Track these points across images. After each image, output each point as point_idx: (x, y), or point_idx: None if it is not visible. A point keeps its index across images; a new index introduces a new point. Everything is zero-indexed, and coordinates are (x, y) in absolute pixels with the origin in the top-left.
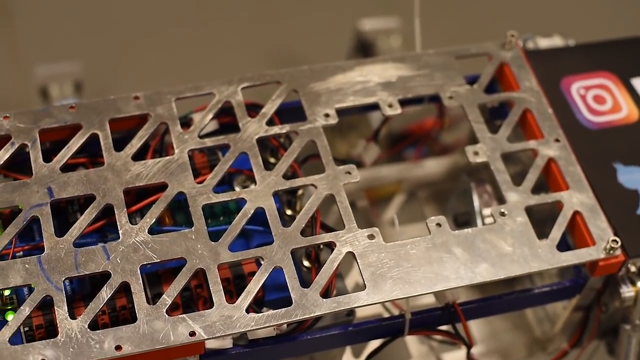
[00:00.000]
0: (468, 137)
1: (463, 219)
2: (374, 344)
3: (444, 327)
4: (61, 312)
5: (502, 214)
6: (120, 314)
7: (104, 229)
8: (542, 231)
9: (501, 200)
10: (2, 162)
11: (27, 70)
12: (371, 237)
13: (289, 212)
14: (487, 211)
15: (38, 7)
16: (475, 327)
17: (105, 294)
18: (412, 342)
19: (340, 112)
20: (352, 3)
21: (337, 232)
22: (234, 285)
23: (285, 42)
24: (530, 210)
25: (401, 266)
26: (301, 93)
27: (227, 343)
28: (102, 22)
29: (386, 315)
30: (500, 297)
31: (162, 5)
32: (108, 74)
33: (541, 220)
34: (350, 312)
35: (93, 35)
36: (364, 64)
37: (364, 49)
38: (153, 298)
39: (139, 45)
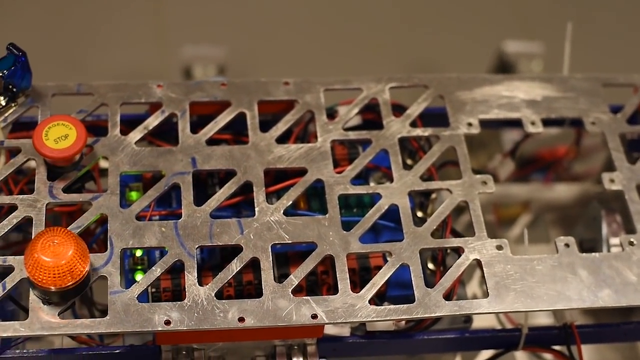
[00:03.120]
0: (600, 168)
1: (588, 245)
2: (485, 354)
3: (557, 347)
4: (191, 277)
5: (631, 244)
6: (245, 288)
7: (240, 205)
8: None
9: (631, 230)
10: (151, 128)
11: (172, 50)
12: (499, 247)
13: (419, 213)
14: (614, 240)
15: None
16: (586, 352)
17: (235, 266)
18: (520, 357)
19: (482, 123)
20: (499, 23)
21: (467, 238)
22: (359, 276)
23: (428, 52)
24: None
25: (525, 280)
26: (447, 99)
27: (345, 331)
28: (249, 9)
29: (498, 327)
30: (618, 325)
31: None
32: (251, 61)
33: None
34: (468, 318)
35: (239, 21)
36: (511, 79)
37: (504, 70)
38: (279, 277)
39: (283, 35)
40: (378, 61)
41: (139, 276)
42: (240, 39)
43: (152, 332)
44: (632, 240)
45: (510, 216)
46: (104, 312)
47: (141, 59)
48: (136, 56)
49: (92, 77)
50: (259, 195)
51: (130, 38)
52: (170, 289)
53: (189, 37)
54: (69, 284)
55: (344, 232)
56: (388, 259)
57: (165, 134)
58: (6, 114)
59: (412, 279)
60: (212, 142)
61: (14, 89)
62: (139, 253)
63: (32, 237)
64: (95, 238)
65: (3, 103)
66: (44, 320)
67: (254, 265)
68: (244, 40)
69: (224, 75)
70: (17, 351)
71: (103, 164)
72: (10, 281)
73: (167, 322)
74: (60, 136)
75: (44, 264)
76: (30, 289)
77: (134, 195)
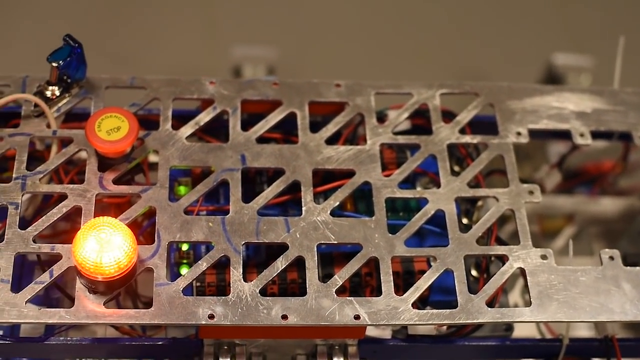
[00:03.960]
0: None
1: (632, 260)
2: None
3: None
4: (236, 273)
5: None
6: (289, 286)
7: (287, 204)
8: None
9: None
10: (202, 123)
11: (222, 48)
12: (544, 257)
13: (465, 220)
14: None
15: None
16: None
17: (280, 264)
18: None
19: (531, 133)
20: (549, 35)
21: (511, 246)
22: (402, 280)
23: (477, 61)
24: None
25: (569, 290)
26: (497, 108)
27: (386, 333)
28: (301, 10)
29: (538, 337)
30: None
31: (363, 2)
32: (300, 62)
33: None
34: (509, 327)
35: (290, 22)
36: (561, 90)
37: (553, 83)
38: (323, 277)
39: (333, 37)
40: (427, 67)
41: (184, 270)
42: (290, 40)
43: (195, 326)
44: None
45: (554, 228)
46: (147, 304)
47: (191, 56)
48: (186, 53)
49: (141, 72)
50: (307, 195)
51: (181, 35)
52: (214, 284)
53: (239, 36)
54: (115, 274)
55: (390, 235)
56: (432, 263)
57: (215, 130)
58: (60, 104)
59: (456, 284)
60: (261, 140)
61: (69, 80)
62: (185, 247)
63: (81, 226)
64: (142, 230)
65: (57, 93)
66: (89, 309)
67: (298, 264)
68: (295, 42)
69: (274, 75)
70: (61, 338)
71: (152, 157)
72: (57, 269)
73: (211, 316)
74: (112, 128)
75: (92, 253)
76: (77, 278)
77: (182, 189)
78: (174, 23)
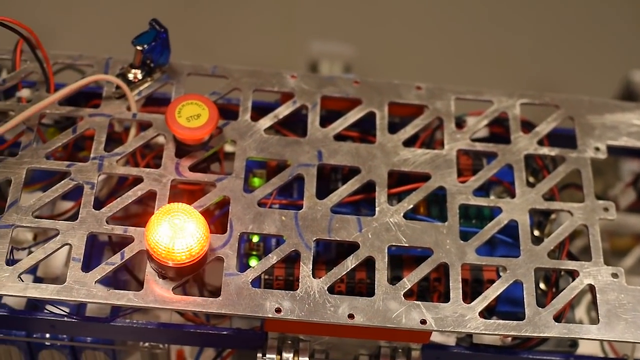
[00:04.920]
0: None
1: None
2: None
3: None
4: (305, 268)
5: None
6: (357, 285)
7: (359, 203)
8: None
9: None
10: (281, 117)
11: (300, 43)
12: (615, 275)
13: (536, 232)
14: None
15: None
16: None
17: (350, 262)
18: None
19: (609, 149)
20: (628, 52)
21: (583, 262)
22: (471, 287)
23: (554, 73)
24: None
25: (638, 311)
26: (576, 122)
27: (450, 340)
28: (380, 9)
29: (601, 356)
30: None
31: (443, 6)
32: (377, 62)
33: None
34: (574, 343)
35: (368, 20)
36: None
37: (630, 99)
38: (391, 279)
39: (411, 38)
40: (503, 75)
41: (253, 261)
42: (368, 38)
43: (261, 318)
44: None
45: (623, 246)
46: (213, 293)
47: (269, 49)
48: (264, 45)
49: (218, 60)
50: (381, 196)
51: (260, 27)
52: (283, 278)
53: (317, 32)
54: (186, 260)
55: (461, 241)
56: (501, 273)
57: (293, 124)
58: (141, 88)
59: (525, 296)
60: (339, 137)
61: (152, 64)
62: (255, 239)
63: (155, 210)
64: (214, 219)
65: (139, 77)
66: (158, 294)
67: (367, 263)
68: (372, 40)
69: (350, 73)
70: (127, 321)
71: (228, 147)
72: (129, 251)
73: (278, 310)
74: (192, 115)
75: (165, 238)
76: (148, 262)
77: (256, 181)
78: (254, 15)
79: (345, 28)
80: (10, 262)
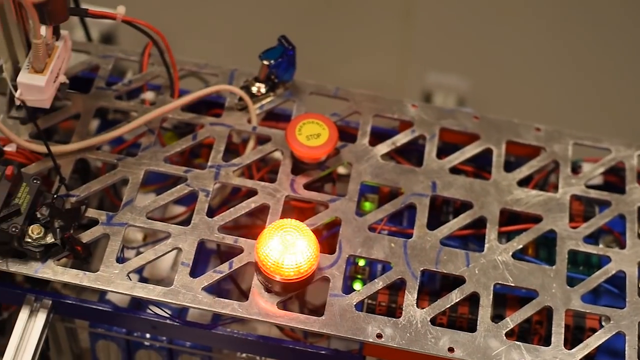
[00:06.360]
0: None
1: None
2: None
3: None
4: (410, 297)
5: None
6: (458, 319)
7: (467, 238)
8: None
9: None
10: (398, 144)
11: (415, 73)
12: None
13: None
14: None
15: (438, 17)
16: None
17: (455, 296)
18: None
19: None
20: None
21: None
22: (572, 334)
23: None
24: None
25: None
26: None
27: None
28: (497, 47)
29: None
30: None
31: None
32: (491, 97)
33: None
34: None
35: (485, 57)
36: None
37: None
38: (493, 317)
39: (526, 77)
40: (622, 124)
41: (357, 285)
42: (483, 73)
43: (362, 342)
44: None
45: None
46: (312, 311)
47: (384, 75)
48: (379, 71)
49: (331, 81)
50: (491, 233)
51: (377, 53)
52: (385, 304)
53: (433, 63)
54: (294, 277)
55: (567, 287)
56: (604, 323)
57: (408, 152)
58: (263, 102)
59: (626, 349)
60: (453, 170)
61: (276, 80)
62: (361, 262)
63: (266, 224)
64: (322, 238)
65: (263, 91)
66: (262, 307)
67: (471, 299)
68: (487, 76)
69: (464, 106)
70: (229, 330)
71: (341, 169)
72: (237, 262)
73: (379, 336)
74: (312, 134)
75: (275, 253)
76: (255, 274)
77: (367, 205)
78: (373, 40)
79: (462, 62)
80: (120, 259)
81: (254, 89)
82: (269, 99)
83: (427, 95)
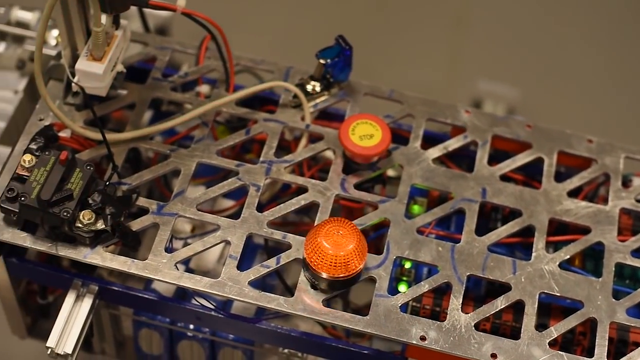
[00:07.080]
0: None
1: None
2: None
3: None
4: (455, 302)
5: None
6: (501, 326)
7: (514, 245)
8: None
9: None
10: (450, 149)
11: (465, 80)
12: None
13: None
14: None
15: (490, 25)
16: None
17: (500, 303)
18: None
19: None
20: None
21: None
22: (615, 347)
23: None
24: None
25: None
26: None
27: None
28: (549, 57)
29: None
30: None
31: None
32: (540, 107)
33: None
34: None
35: (536, 67)
36: None
37: None
38: (537, 326)
39: (575, 89)
40: None
41: (402, 287)
42: (533, 83)
43: (405, 343)
44: None
45: None
46: (355, 311)
47: (434, 80)
48: (429, 75)
49: (381, 82)
50: (539, 242)
51: (428, 57)
52: (429, 307)
53: (483, 71)
54: (341, 275)
55: (613, 299)
56: None
57: (459, 158)
58: (317, 100)
59: None
60: (504, 177)
61: (331, 79)
62: (407, 265)
63: (315, 222)
64: (370, 239)
65: (317, 89)
66: (307, 303)
67: (515, 306)
68: (537, 86)
69: (514, 115)
70: (272, 325)
71: (390, 171)
72: (285, 257)
73: (423, 338)
74: (365, 134)
75: (324, 250)
76: (302, 271)
77: (416, 208)
78: (425, 46)
79: (512, 71)
80: (169, 249)
81: (309, 87)
82: (323, 98)
83: (476, 103)
